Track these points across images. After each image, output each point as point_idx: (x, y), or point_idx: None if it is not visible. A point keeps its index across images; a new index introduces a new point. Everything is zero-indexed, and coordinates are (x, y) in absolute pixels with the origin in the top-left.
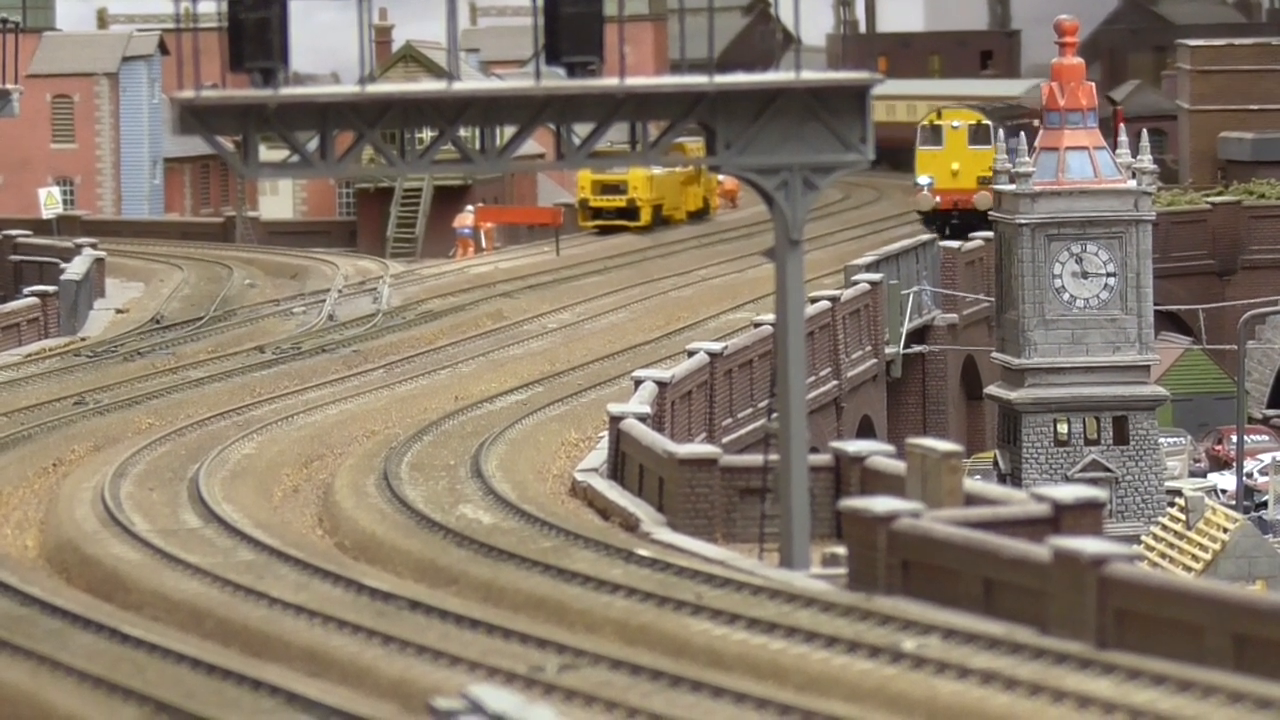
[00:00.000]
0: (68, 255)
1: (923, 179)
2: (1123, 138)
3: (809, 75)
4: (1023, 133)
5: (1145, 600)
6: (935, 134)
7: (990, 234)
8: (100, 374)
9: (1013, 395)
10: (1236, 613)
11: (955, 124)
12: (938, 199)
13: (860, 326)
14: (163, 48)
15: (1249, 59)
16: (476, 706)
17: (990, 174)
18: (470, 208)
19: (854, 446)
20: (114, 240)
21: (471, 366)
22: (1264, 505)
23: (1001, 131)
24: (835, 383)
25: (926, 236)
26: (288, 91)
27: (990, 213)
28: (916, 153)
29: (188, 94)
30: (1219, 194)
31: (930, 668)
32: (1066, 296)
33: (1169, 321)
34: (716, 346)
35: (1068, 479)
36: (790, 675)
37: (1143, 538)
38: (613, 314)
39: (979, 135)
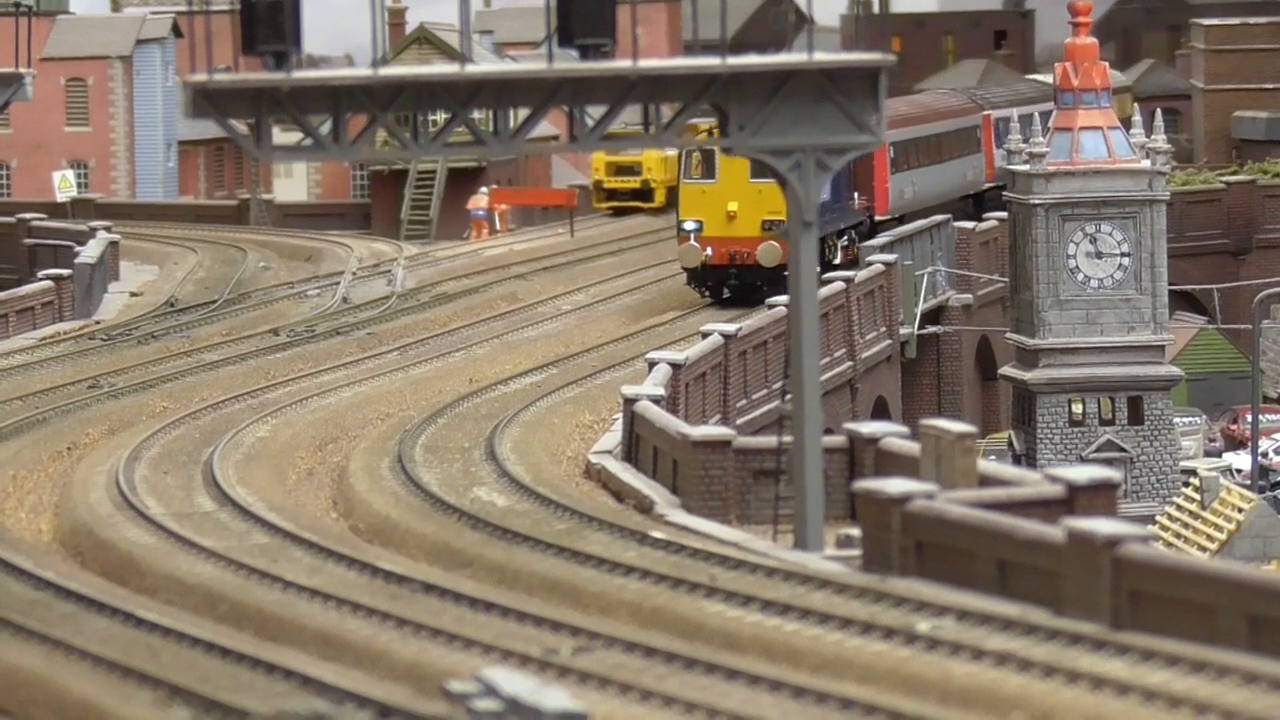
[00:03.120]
0: (82, 238)
1: (688, 224)
2: (1137, 117)
3: (822, 57)
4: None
5: (1159, 581)
6: (705, 163)
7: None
8: (115, 357)
9: (1027, 376)
10: (1251, 593)
11: None
12: (708, 251)
13: (875, 307)
14: (176, 31)
15: (1263, 38)
16: (491, 689)
17: (781, 216)
18: (484, 190)
19: (868, 428)
20: (128, 223)
21: (486, 349)
22: (1279, 485)
23: None
24: (850, 364)
25: (941, 217)
26: (300, 74)
27: (1004, 193)
28: (680, 188)
29: (200, 77)
30: (1233, 173)
31: (945, 649)
32: (1081, 277)
33: (1184, 301)
34: (731, 328)
35: (1082, 459)
36: (804, 657)
37: (1158, 518)
38: (627, 295)
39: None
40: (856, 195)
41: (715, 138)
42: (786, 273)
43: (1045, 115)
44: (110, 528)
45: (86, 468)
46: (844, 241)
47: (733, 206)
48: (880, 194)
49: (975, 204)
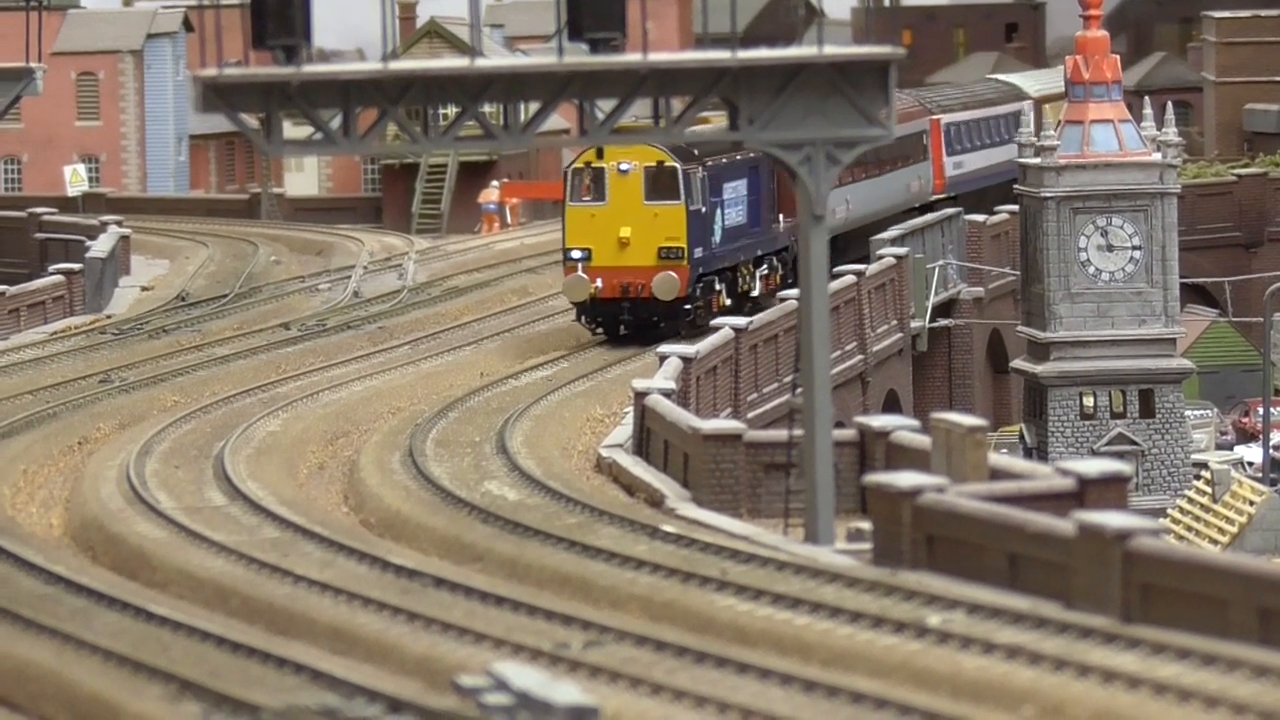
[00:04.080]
0: (93, 233)
1: (575, 252)
2: (1148, 110)
3: (832, 50)
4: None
5: (1170, 574)
6: (595, 183)
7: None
8: (125, 352)
9: (1038, 369)
10: (1262, 587)
11: (625, 167)
12: (597, 283)
13: (885, 300)
14: (187, 25)
15: (1275, 30)
16: (501, 684)
17: (681, 243)
18: (495, 183)
19: (879, 421)
20: (139, 217)
21: (496, 342)
22: None
23: (703, 177)
24: (860, 357)
25: (951, 210)
26: (310, 69)
27: (1015, 186)
28: (565, 211)
29: (210, 72)
30: (1245, 166)
31: (955, 643)
32: (1092, 270)
33: (1195, 294)
34: (742, 321)
35: (1094, 452)
36: (815, 651)
37: (1169, 511)
38: None
39: (662, 185)
40: (781, 216)
41: (606, 157)
42: (687, 306)
43: (1010, 118)
44: (121, 522)
45: (97, 462)
46: (764, 270)
47: (625, 232)
48: None
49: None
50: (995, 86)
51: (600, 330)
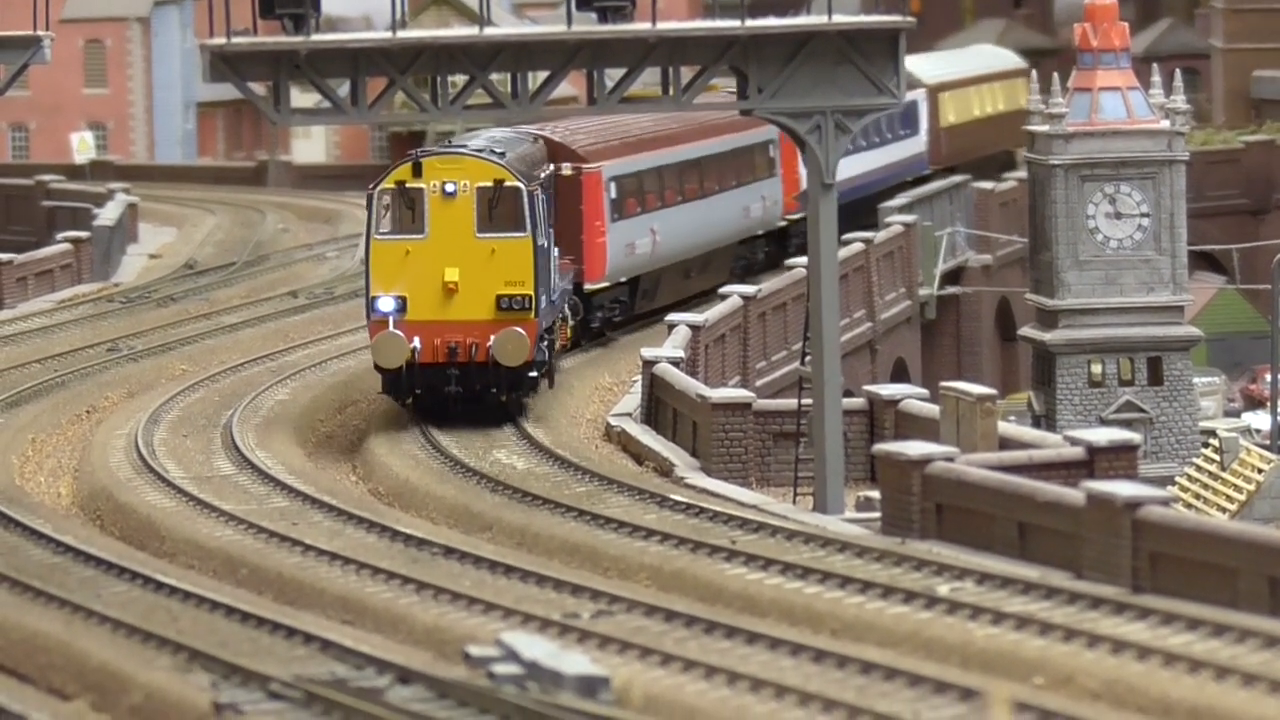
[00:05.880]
0: (100, 201)
1: (383, 301)
2: (1156, 77)
3: (841, 19)
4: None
5: (1180, 543)
6: (410, 208)
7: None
8: (133, 320)
9: (1047, 336)
10: (1270, 555)
11: (450, 188)
12: (414, 343)
13: (894, 268)
14: None
15: None
16: (511, 653)
17: (527, 289)
18: None
19: (888, 390)
20: (146, 185)
21: None
22: None
23: (543, 199)
24: (869, 325)
25: (960, 178)
26: (319, 38)
27: (1025, 153)
28: (370, 247)
29: (219, 41)
30: (1252, 133)
31: (965, 612)
32: (1100, 237)
33: (1203, 261)
34: (750, 289)
35: (1102, 420)
36: (825, 620)
37: (1177, 479)
38: None
39: (501, 211)
40: (556, 251)
41: (425, 175)
42: (533, 373)
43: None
44: (129, 491)
45: (106, 431)
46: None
47: (452, 275)
48: (593, 252)
49: (776, 244)
50: None
51: (414, 404)
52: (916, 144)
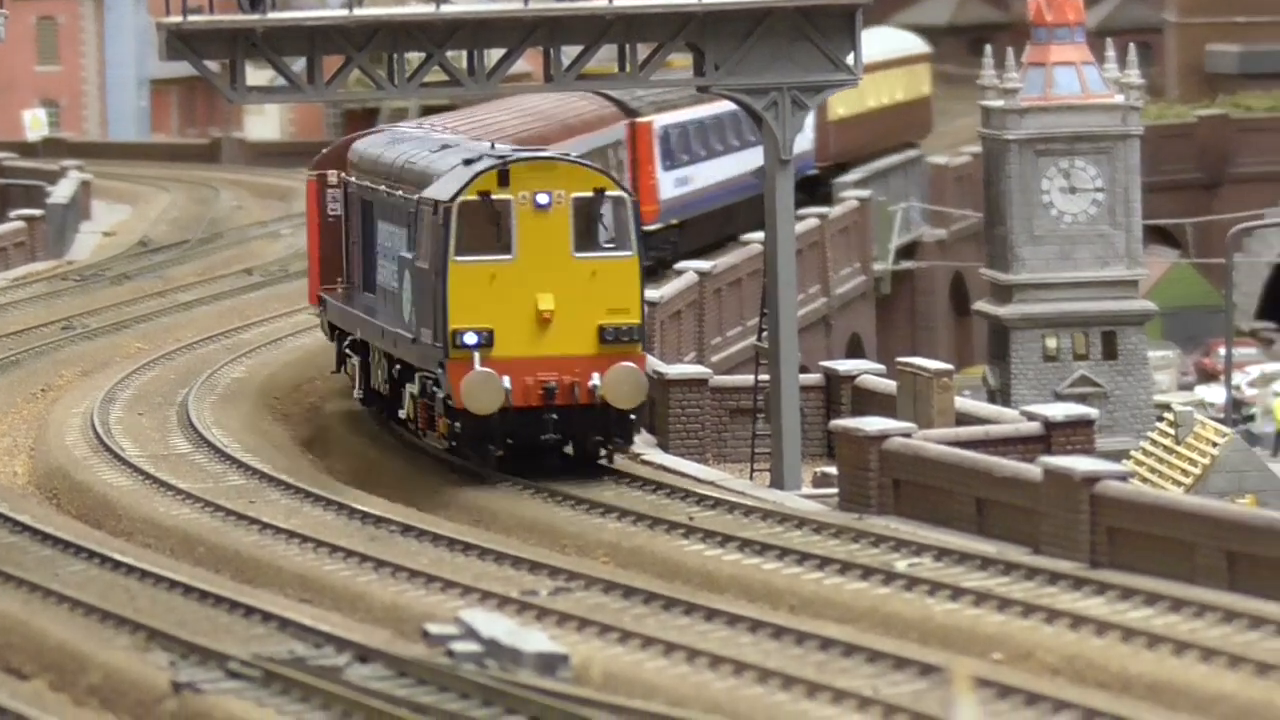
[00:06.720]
0: (53, 178)
1: (467, 335)
2: (1110, 52)
3: None
4: None
5: (1137, 518)
6: (492, 221)
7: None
8: (88, 298)
9: (1001, 311)
10: (1228, 529)
11: (545, 199)
12: (505, 382)
13: (849, 243)
14: None
15: None
16: (470, 631)
17: (634, 317)
18: None
19: (845, 365)
20: (100, 162)
21: None
22: (1251, 419)
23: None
24: (824, 300)
25: (914, 152)
26: (275, 15)
27: (980, 129)
28: (449, 269)
29: (175, 19)
30: (1206, 107)
31: (923, 588)
32: (1055, 212)
33: (1157, 235)
34: (706, 265)
35: (1057, 394)
36: (783, 596)
37: (1132, 452)
38: None
39: (595, 225)
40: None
41: (512, 184)
42: (634, 415)
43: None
44: (86, 470)
45: (61, 410)
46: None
47: (546, 302)
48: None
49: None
50: None
51: (496, 460)
52: (800, 141)
